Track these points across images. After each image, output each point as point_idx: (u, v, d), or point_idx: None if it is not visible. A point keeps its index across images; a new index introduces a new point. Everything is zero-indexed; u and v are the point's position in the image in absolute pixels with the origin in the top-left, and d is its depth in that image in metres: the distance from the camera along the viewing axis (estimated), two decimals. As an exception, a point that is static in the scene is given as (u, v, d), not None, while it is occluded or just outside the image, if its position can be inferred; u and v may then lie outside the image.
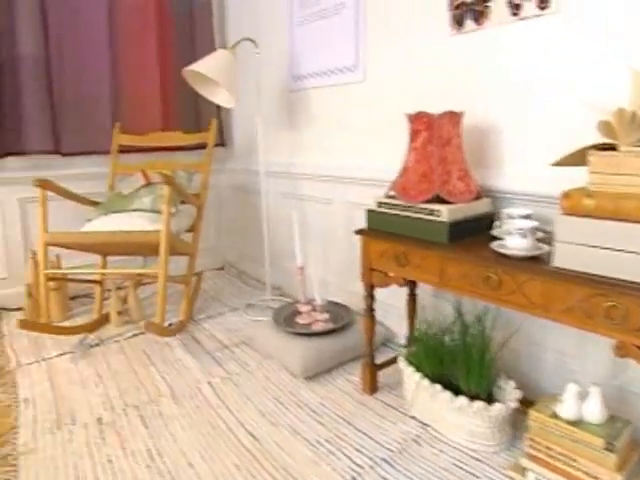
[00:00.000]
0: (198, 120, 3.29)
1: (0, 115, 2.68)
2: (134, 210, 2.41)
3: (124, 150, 2.92)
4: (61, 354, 2.23)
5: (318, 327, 2.08)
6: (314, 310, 2.16)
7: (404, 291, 2.01)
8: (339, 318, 2.17)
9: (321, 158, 2.62)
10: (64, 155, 2.87)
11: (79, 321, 2.59)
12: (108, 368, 2.09)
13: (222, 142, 3.37)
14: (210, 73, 2.24)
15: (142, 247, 2.20)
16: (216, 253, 3.51)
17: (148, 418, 1.71)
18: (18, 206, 2.81)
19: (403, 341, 2.15)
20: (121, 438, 1.61)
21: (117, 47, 3.00)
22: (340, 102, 2.47)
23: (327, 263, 2.61)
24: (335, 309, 2.23)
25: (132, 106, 3.08)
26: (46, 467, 1.48)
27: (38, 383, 1.99)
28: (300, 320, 2.16)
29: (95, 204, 2.60)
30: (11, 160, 2.78)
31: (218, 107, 3.29)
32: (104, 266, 2.63)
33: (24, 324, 2.15)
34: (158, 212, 2.37)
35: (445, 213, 1.51)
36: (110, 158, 2.87)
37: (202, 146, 2.95)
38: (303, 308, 2.19)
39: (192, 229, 2.62)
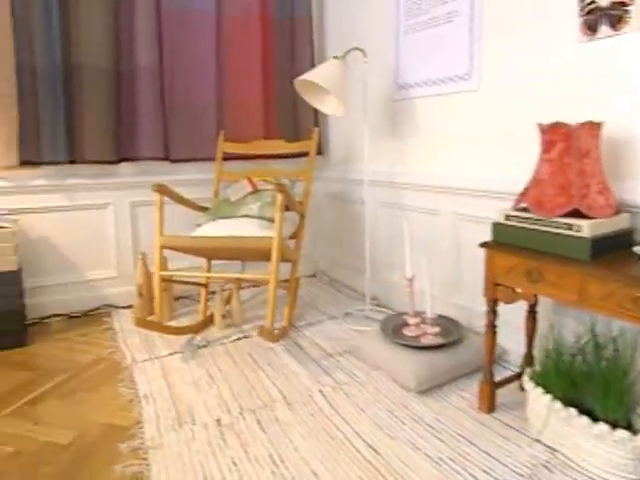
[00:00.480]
0: (296, 128, 3.34)
1: (117, 124, 2.83)
2: (242, 216, 2.46)
3: (227, 157, 3.01)
4: (171, 353, 2.31)
5: (428, 340, 2.04)
6: (423, 323, 2.12)
7: (516, 307, 1.92)
8: (449, 332, 2.11)
9: (426, 168, 2.58)
10: (172, 162, 3.00)
11: (184, 322, 2.68)
12: (218, 370, 2.14)
13: (319, 150, 3.40)
14: (323, 82, 2.27)
15: (253, 253, 2.24)
16: (308, 260, 3.53)
17: (265, 423, 1.73)
18: (129, 209, 2.96)
19: (515, 359, 2.06)
20: (241, 441, 1.63)
21: (223, 59, 3.11)
22: (449, 111, 2.42)
23: (430, 275, 2.56)
24: (445, 323, 2.17)
25: (235, 115, 3.17)
26: (174, 463, 1.53)
27: (153, 380, 2.07)
28: (408, 332, 2.13)
29: (203, 209, 2.69)
30: (124, 166, 2.93)
31: (316, 116, 3.33)
32: (209, 269, 2.72)
33: (141, 322, 2.24)
34: (266, 219, 2.42)
35: (586, 228, 1.43)
36: (214, 165, 2.97)
37: (300, 154, 2.99)
38: (411, 320, 2.15)
39: (294, 236, 2.65)
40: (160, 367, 2.18)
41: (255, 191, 2.60)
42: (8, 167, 2.62)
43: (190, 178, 3.07)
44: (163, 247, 2.32)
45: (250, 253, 2.26)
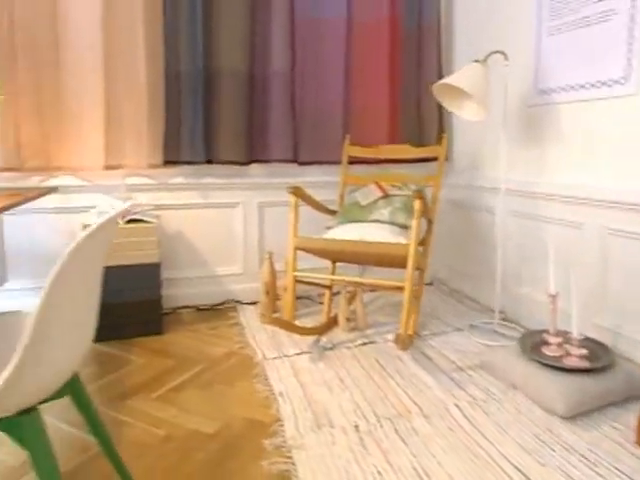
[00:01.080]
0: (421, 134, 3.29)
1: (250, 126, 2.94)
2: (373, 221, 2.46)
3: (351, 161, 3.02)
4: (299, 353, 2.36)
5: (574, 362, 1.91)
6: (567, 343, 1.99)
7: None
8: (597, 357, 1.97)
9: (569, 178, 2.43)
10: (300, 164, 3.06)
11: (305, 322, 2.73)
12: (347, 374, 2.14)
13: (445, 156, 3.32)
14: (467, 87, 2.20)
15: (386, 258, 2.23)
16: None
17: (403, 433, 1.71)
18: (257, 209, 3.07)
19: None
20: (382, 450, 1.62)
21: (350, 64, 3.13)
22: (599, 117, 2.26)
23: (569, 292, 2.41)
24: (592, 345, 2.03)
25: (361, 120, 3.18)
26: (319, 465, 1.54)
27: (285, 378, 2.11)
28: (548, 352, 2.01)
29: (332, 212, 2.71)
30: (254, 167, 3.04)
31: (440, 121, 3.26)
32: (334, 272, 2.74)
33: (271, 320, 2.29)
34: (397, 225, 2.40)
35: None
36: (340, 168, 2.99)
37: (424, 159, 2.95)
38: (552, 339, 2.03)
39: (422, 243, 2.60)
40: (290, 366, 2.22)
41: (385, 196, 2.59)
42: (153, 166, 2.80)
43: (316, 180, 3.12)
44: (296, 248, 2.37)
45: (383, 258, 2.24)
